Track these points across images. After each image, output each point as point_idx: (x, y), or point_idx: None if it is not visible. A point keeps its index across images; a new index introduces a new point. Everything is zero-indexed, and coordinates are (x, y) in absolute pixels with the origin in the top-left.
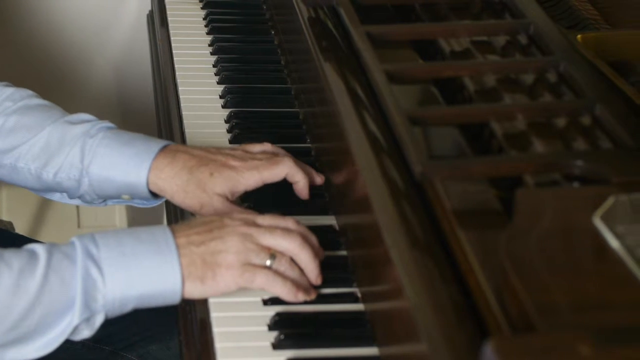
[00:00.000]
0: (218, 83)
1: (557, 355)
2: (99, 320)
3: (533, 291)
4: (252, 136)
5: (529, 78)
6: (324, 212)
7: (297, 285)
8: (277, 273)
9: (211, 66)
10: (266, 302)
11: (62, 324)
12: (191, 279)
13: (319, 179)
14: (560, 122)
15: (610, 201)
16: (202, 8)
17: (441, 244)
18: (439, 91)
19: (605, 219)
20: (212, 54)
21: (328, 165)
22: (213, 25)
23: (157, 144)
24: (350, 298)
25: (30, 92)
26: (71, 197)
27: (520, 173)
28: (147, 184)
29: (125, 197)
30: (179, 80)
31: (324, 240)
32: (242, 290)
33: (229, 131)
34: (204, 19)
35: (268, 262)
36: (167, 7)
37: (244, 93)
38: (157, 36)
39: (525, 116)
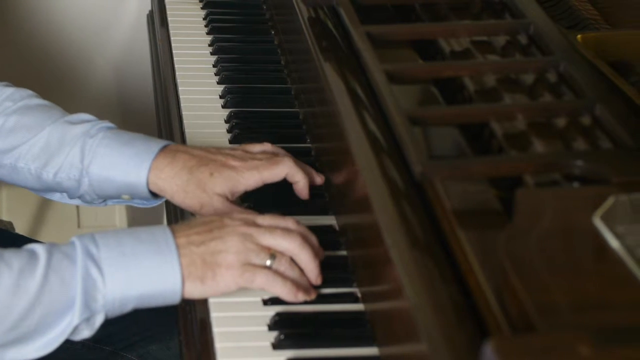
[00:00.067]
0: (218, 83)
1: (557, 355)
2: (99, 320)
3: (533, 291)
4: (252, 136)
5: (529, 78)
6: (324, 212)
7: (297, 285)
8: (277, 273)
9: (211, 66)
10: (266, 302)
11: (62, 324)
12: (191, 279)
13: (318, 179)
14: (560, 122)
15: (610, 201)
16: (202, 8)
17: (441, 244)
18: (439, 91)
19: (605, 219)
20: (212, 54)
21: (328, 165)
22: (213, 25)
23: (157, 144)
24: (350, 298)
25: (30, 92)
26: (71, 197)
27: (520, 173)
28: (147, 184)
29: (125, 197)
30: (179, 80)
31: (324, 240)
32: (242, 290)
33: (229, 131)
34: (204, 19)
35: (268, 262)
36: (167, 7)
37: (244, 93)
38: (157, 36)
39: (525, 116)
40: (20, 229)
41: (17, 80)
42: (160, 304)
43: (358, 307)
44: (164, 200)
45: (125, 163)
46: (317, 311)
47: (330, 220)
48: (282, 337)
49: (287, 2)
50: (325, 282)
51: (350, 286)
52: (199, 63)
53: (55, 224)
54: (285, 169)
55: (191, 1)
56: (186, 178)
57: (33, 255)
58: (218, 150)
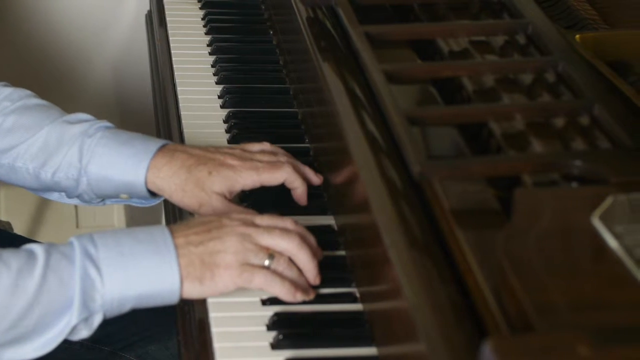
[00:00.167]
0: (216, 83)
1: (556, 355)
2: (97, 320)
3: (531, 291)
4: (250, 136)
5: (527, 78)
6: (322, 212)
7: (295, 285)
8: (276, 273)
9: (210, 66)
10: (265, 302)
11: (61, 323)
12: (190, 279)
13: (317, 180)
14: (559, 122)
15: (608, 201)
16: (200, 8)
17: (440, 244)
18: (438, 91)
19: (604, 219)
20: (210, 54)
21: (327, 165)
22: (211, 25)
23: (155, 143)
24: (349, 298)
25: (28, 92)
26: (69, 196)
27: (519, 173)
28: (146, 182)
29: (124, 196)
30: (177, 81)
31: (322, 240)
32: (240, 290)
33: (227, 131)
34: (202, 19)
35: (266, 262)
36: (165, 7)
37: (242, 93)
38: (156, 36)
39: (523, 116)
40: (19, 229)
41: (15, 80)
42: (158, 304)
43: (357, 307)
44: (162, 199)
45: (123, 162)
46: (316, 311)
47: (328, 220)
48: (280, 337)
49: (285, 2)
50: (324, 282)
51: (349, 286)
52: (197, 63)
53: (53, 224)
54: (284, 175)
55: (190, 1)
56: (184, 177)
57: (31, 255)
58: (217, 149)
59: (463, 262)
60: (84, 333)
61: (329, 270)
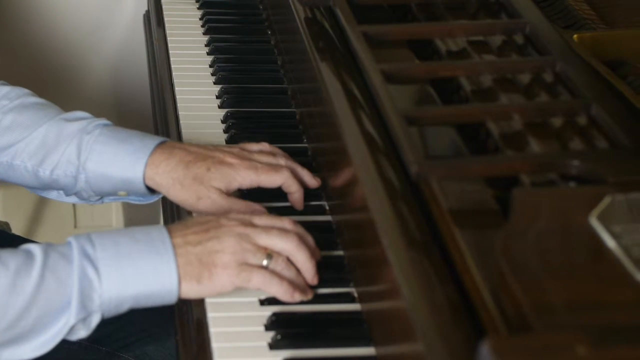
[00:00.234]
0: (215, 83)
1: (554, 355)
2: (95, 320)
3: (529, 291)
4: (248, 136)
5: (525, 78)
6: (320, 211)
7: (293, 285)
8: (274, 273)
9: (208, 66)
10: (263, 302)
11: (59, 324)
12: (187, 279)
13: (315, 184)
14: (557, 121)
15: (606, 201)
16: (198, 8)
17: (438, 244)
18: (436, 91)
19: (602, 218)
20: (208, 54)
21: (325, 165)
22: (209, 26)
23: (153, 140)
24: (347, 298)
25: (26, 90)
26: (68, 194)
27: (517, 173)
28: (144, 179)
29: (122, 193)
30: (175, 81)
31: (320, 240)
32: (238, 290)
33: (225, 131)
34: (200, 19)
35: (264, 262)
36: (163, 7)
37: (240, 93)
38: (154, 36)
39: (521, 116)
40: (17, 229)
41: (13, 80)
42: (156, 304)
43: (355, 307)
44: (160, 196)
45: (121, 159)
46: (314, 311)
47: (326, 220)
48: (278, 337)
49: (283, 3)
50: (322, 282)
51: (347, 286)
52: (195, 63)
53: (51, 225)
54: (282, 178)
55: (188, 1)
56: (183, 173)
57: (29, 255)
58: (215, 147)
59: (461, 262)
60: (82, 333)
61: (327, 270)
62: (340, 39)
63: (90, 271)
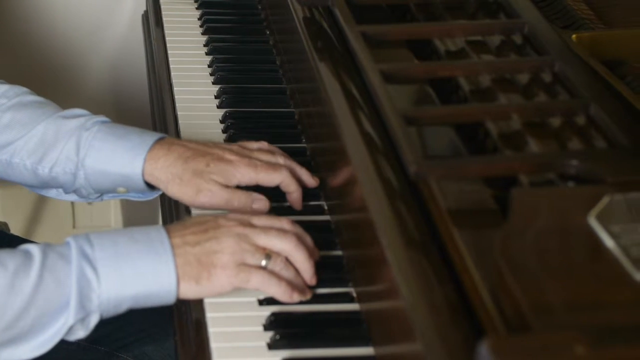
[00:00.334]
0: (213, 83)
1: (553, 354)
2: (94, 320)
3: (528, 291)
4: (247, 136)
5: (524, 78)
6: (319, 211)
7: (292, 285)
8: (272, 273)
9: (206, 66)
10: (262, 302)
11: (57, 324)
12: (186, 279)
13: (313, 183)
14: (555, 121)
15: (605, 201)
16: (197, 8)
17: (436, 244)
18: (434, 91)
19: (600, 218)
20: (207, 54)
21: (323, 165)
22: (208, 26)
23: (152, 136)
24: (346, 298)
25: (25, 89)
26: (67, 192)
27: (515, 173)
28: (143, 175)
29: (121, 190)
30: (174, 81)
31: (319, 240)
32: (237, 290)
33: (224, 131)
34: (199, 19)
35: (263, 263)
36: (162, 7)
37: (239, 93)
38: (152, 36)
39: (520, 116)
40: (15, 229)
41: (13, 80)
42: (155, 304)
43: (353, 307)
44: (159, 193)
45: (120, 155)
46: (313, 311)
47: (325, 219)
48: (277, 337)
49: (282, 2)
50: (321, 282)
51: (346, 286)
52: (194, 63)
53: (50, 225)
54: (281, 178)
55: (186, 1)
56: (182, 167)
57: (28, 255)
58: (215, 144)
59: (460, 262)
60: (80, 333)
61: (326, 270)
62: (339, 39)
63: (88, 271)
